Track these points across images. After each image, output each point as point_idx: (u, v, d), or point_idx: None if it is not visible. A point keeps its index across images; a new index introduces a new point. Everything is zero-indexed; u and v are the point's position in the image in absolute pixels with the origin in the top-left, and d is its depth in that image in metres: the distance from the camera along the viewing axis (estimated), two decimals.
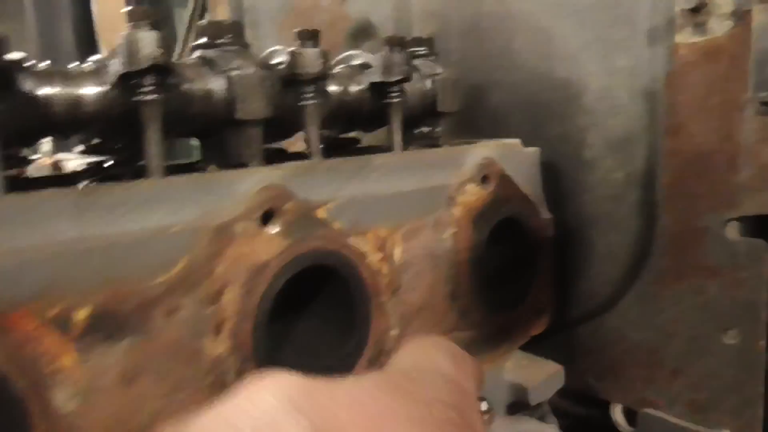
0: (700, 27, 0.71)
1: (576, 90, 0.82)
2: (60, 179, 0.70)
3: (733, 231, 0.74)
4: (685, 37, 0.72)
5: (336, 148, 0.89)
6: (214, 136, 0.64)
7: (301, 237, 0.55)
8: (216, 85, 0.60)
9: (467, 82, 0.95)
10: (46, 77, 0.52)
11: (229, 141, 0.63)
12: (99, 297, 0.43)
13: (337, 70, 0.78)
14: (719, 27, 0.70)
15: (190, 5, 1.48)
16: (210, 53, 0.62)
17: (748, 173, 0.69)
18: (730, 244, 0.74)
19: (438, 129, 0.85)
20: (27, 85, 0.50)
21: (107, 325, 0.44)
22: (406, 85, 0.78)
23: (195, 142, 0.70)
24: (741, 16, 0.67)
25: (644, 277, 0.83)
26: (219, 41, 0.63)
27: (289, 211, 0.55)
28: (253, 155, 0.63)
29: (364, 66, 0.78)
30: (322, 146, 0.89)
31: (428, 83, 0.82)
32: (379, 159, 0.64)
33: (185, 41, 1.46)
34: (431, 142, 0.85)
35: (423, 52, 0.85)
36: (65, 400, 0.42)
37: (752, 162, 0.68)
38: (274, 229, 0.54)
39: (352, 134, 0.88)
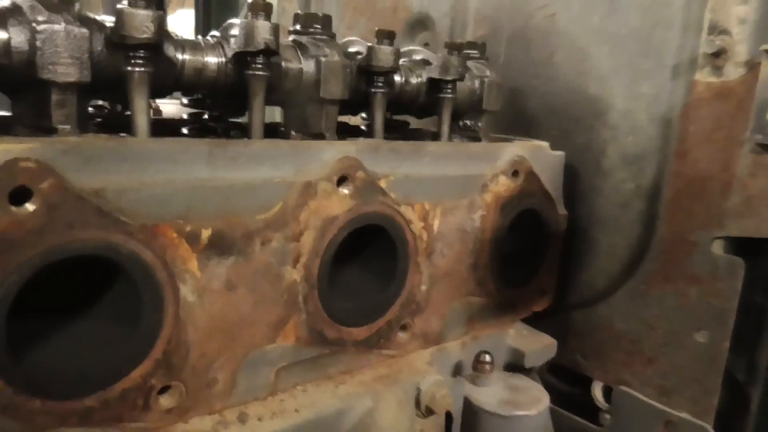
0: (717, 69, 0.83)
1: (603, 107, 0.95)
2: (167, 123, 0.84)
3: (718, 247, 0.87)
4: (704, 76, 0.85)
5: (389, 128, 1.02)
6: (297, 108, 0.77)
7: (365, 200, 0.69)
8: (307, 66, 0.73)
9: (509, 85, 1.08)
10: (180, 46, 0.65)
11: (311, 114, 0.76)
12: (218, 223, 0.57)
13: (401, 62, 0.91)
14: (733, 72, 0.82)
15: None
16: (302, 39, 0.75)
17: (737, 200, 0.82)
18: (713, 258, 0.87)
19: (479, 124, 0.97)
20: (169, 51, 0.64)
21: (221, 245, 0.58)
22: (458, 84, 0.91)
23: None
24: (752, 66, 0.80)
25: (637, 276, 0.96)
26: (310, 30, 0.76)
27: (358, 178, 0.68)
28: (329, 128, 0.77)
29: (425, 62, 0.90)
30: None
31: (477, 83, 0.94)
32: (431, 146, 0.77)
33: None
34: (472, 134, 0.98)
35: (475, 55, 0.97)
36: (188, 293, 0.56)
37: (741, 191, 0.81)
38: (346, 190, 0.67)
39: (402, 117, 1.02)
